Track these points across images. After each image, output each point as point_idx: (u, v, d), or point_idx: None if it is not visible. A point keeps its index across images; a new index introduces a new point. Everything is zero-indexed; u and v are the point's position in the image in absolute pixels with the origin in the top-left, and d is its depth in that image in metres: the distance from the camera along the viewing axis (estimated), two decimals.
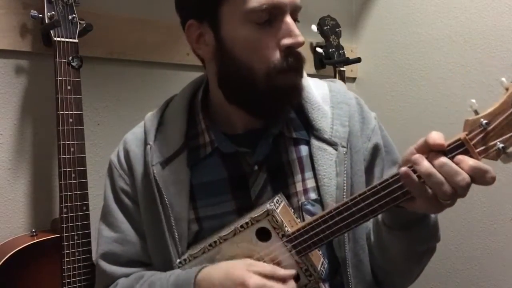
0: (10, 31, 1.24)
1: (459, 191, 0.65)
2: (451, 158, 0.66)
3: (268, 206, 0.76)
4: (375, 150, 0.91)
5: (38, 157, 1.32)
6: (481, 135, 0.65)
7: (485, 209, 1.76)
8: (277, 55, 0.80)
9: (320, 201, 0.86)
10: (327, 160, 0.86)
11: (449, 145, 0.67)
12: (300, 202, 0.87)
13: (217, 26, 0.82)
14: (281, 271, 0.75)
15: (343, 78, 1.85)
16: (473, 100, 0.67)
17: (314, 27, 1.85)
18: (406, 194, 0.69)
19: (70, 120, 1.16)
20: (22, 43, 1.26)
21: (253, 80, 0.80)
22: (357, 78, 2.18)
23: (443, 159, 0.66)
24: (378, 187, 0.70)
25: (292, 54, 0.81)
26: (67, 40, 1.18)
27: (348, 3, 2.18)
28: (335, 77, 1.85)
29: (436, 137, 0.67)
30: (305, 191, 0.87)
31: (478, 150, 0.65)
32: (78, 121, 1.18)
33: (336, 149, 0.87)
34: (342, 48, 1.89)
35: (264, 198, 0.86)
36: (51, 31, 1.17)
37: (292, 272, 0.76)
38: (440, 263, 1.87)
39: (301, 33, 0.81)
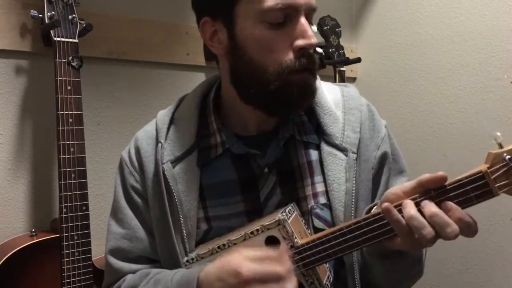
0: (10, 31, 1.24)
1: (445, 239, 0.67)
2: (471, 190, 0.66)
3: (280, 215, 0.76)
4: (383, 158, 0.91)
5: (38, 157, 1.32)
6: (502, 170, 0.65)
7: (485, 209, 1.76)
8: (289, 56, 0.80)
9: (329, 205, 0.86)
10: (337, 165, 0.86)
11: (468, 176, 0.67)
12: (309, 206, 0.86)
13: (232, 24, 0.82)
14: (274, 252, 0.73)
15: (343, 78, 1.85)
16: (498, 133, 0.66)
17: (314, 27, 1.83)
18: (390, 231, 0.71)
19: (70, 120, 1.16)
20: (22, 43, 1.26)
21: (265, 79, 0.80)
22: (357, 78, 2.19)
23: (435, 209, 0.67)
24: (375, 217, 0.71)
25: (304, 55, 0.81)
26: (67, 40, 1.18)
27: (348, 3, 2.18)
28: (335, 77, 1.85)
29: (428, 174, 0.68)
30: (315, 195, 0.87)
31: (498, 184, 0.66)
32: (78, 121, 1.18)
33: (346, 155, 0.87)
34: (342, 48, 1.88)
35: (273, 200, 0.86)
36: (51, 31, 1.17)
37: (286, 251, 0.74)
38: (440, 263, 1.87)
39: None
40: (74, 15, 1.20)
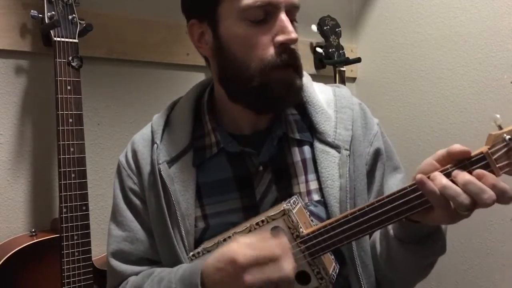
0: (10, 31, 1.24)
1: (483, 206, 0.66)
2: (472, 171, 0.66)
3: (284, 205, 0.77)
4: (376, 154, 0.92)
5: (38, 157, 1.32)
6: (503, 150, 0.65)
7: (485, 209, 1.76)
8: (270, 52, 0.81)
9: (323, 202, 0.87)
10: (330, 162, 0.88)
11: (470, 158, 0.67)
12: (303, 203, 0.87)
13: (216, 25, 0.84)
14: (270, 238, 0.74)
15: (343, 78, 1.85)
16: (498, 115, 0.66)
17: (314, 27, 1.85)
18: (422, 204, 0.69)
19: (70, 120, 1.17)
20: (22, 43, 1.26)
21: (248, 76, 0.81)
22: (357, 78, 2.19)
23: (468, 177, 0.66)
24: (396, 194, 0.71)
25: (285, 50, 0.81)
26: (67, 40, 1.18)
27: (348, 3, 2.18)
28: (335, 77, 1.85)
29: (459, 146, 0.67)
30: (308, 192, 0.88)
31: (499, 165, 0.66)
32: (78, 121, 1.18)
33: (339, 152, 0.88)
34: (342, 48, 1.89)
35: (269, 198, 0.87)
36: (51, 31, 1.17)
37: (283, 238, 0.74)
38: (440, 263, 1.86)
39: (297, 32, 0.82)
40: (74, 15, 1.20)
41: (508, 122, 0.67)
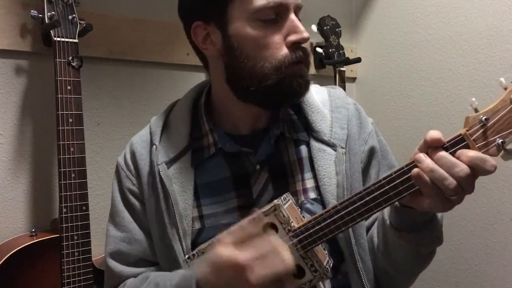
0: (10, 31, 1.24)
1: (462, 183, 0.66)
2: (453, 153, 0.68)
3: (275, 201, 0.78)
4: (371, 152, 0.94)
5: (38, 157, 1.32)
6: (481, 131, 0.68)
7: (485, 209, 1.76)
8: (284, 51, 0.83)
9: (320, 200, 0.89)
10: (327, 160, 0.89)
11: (450, 141, 0.69)
12: (300, 201, 0.89)
13: (225, 26, 0.84)
14: (247, 222, 0.75)
15: (343, 78, 1.85)
16: (473, 99, 0.69)
17: (314, 27, 1.85)
18: (408, 188, 0.71)
19: (70, 120, 1.17)
20: (22, 43, 1.26)
21: (263, 75, 0.83)
22: (357, 78, 2.19)
23: (441, 153, 0.68)
24: (383, 181, 0.72)
25: (298, 48, 0.84)
26: (67, 40, 1.18)
27: (348, 3, 2.18)
28: (335, 77, 1.85)
29: (433, 133, 0.70)
30: (305, 190, 0.90)
31: (478, 145, 0.68)
32: (78, 121, 1.18)
33: (335, 150, 0.90)
34: (342, 48, 1.89)
35: (265, 196, 0.89)
36: (51, 31, 1.17)
37: (258, 214, 0.76)
38: (440, 263, 1.87)
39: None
40: (74, 15, 1.20)
41: (484, 106, 0.69)
